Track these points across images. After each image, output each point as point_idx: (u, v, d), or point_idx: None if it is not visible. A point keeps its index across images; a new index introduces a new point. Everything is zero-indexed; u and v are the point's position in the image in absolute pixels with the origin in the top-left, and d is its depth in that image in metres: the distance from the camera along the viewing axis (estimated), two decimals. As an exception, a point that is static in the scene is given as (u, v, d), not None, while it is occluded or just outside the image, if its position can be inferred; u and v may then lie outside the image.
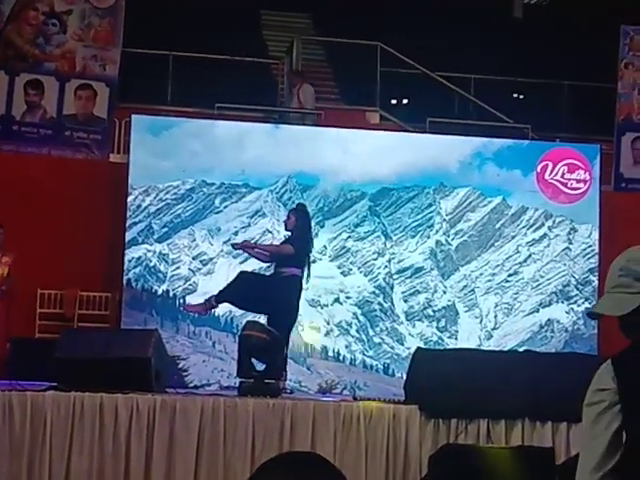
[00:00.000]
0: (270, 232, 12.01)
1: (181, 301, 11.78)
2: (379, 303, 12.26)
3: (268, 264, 10.55)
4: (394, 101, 17.73)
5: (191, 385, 11.31)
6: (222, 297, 10.14)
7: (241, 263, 11.83)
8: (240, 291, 10.10)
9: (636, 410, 2.81)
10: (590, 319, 2.73)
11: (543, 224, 12.57)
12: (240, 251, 11.97)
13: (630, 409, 2.80)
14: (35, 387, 7.56)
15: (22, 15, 12.16)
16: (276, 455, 2.10)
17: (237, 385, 8.62)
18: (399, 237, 12.37)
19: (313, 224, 11.83)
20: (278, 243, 10.89)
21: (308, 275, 10.48)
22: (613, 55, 13.80)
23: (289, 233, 10.18)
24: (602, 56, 15.64)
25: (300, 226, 10.19)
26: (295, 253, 10.02)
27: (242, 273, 10.53)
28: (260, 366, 8.64)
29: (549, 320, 12.40)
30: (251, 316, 11.42)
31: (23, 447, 7.16)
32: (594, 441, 2.86)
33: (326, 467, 2.03)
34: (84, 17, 12.26)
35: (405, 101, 18.29)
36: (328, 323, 12.08)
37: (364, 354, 12.07)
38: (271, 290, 9.91)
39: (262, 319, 10.09)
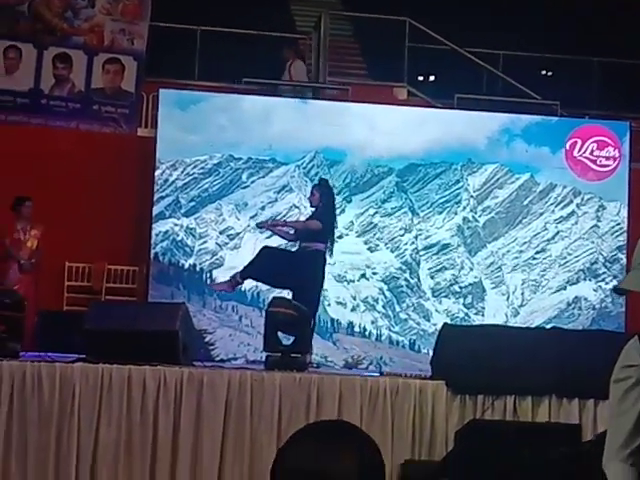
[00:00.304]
0: (297, 207, 11.99)
1: (208, 275, 11.80)
2: (405, 279, 12.24)
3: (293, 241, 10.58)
4: (421, 77, 17.65)
5: (217, 359, 11.34)
6: (247, 273, 10.18)
7: (267, 238, 11.83)
8: (264, 267, 10.15)
9: None
10: (617, 295, 2.73)
11: (571, 201, 12.49)
12: (267, 226, 12.06)
13: None
14: (64, 359, 7.61)
15: (51, -12, 12.18)
16: (306, 424, 2.09)
17: (263, 359, 8.64)
18: (426, 213, 12.33)
19: (340, 200, 11.87)
20: (304, 219, 10.93)
21: (332, 250, 10.51)
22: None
23: (313, 209, 10.21)
24: (632, 32, 15.50)
25: (325, 202, 10.22)
26: (321, 228, 10.05)
27: (265, 248, 10.55)
28: (287, 340, 8.66)
29: (576, 297, 12.34)
30: (277, 291, 11.48)
31: (52, 418, 7.22)
32: (621, 418, 2.83)
33: (356, 434, 2.03)
34: (112, -9, 12.27)
35: (432, 77, 18.19)
36: (354, 299, 12.08)
37: (390, 330, 12.06)
38: (295, 265, 9.95)
39: (287, 294, 10.13)
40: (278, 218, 11.80)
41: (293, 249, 11.01)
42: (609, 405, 2.98)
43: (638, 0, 15.38)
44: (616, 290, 2.97)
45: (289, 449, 1.99)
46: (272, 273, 10.38)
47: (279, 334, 8.59)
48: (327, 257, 10.37)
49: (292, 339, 8.49)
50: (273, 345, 8.50)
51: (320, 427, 2.09)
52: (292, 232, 10.52)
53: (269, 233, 11.84)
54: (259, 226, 11.29)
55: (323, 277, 10.24)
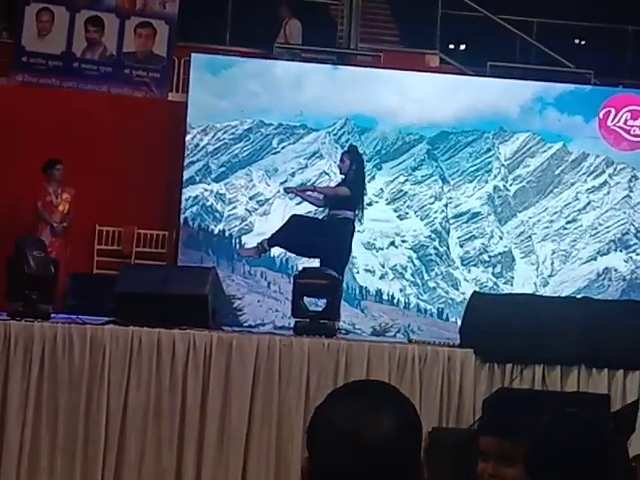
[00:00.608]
0: (327, 174, 11.97)
1: (237, 241, 11.82)
2: (435, 247, 12.21)
3: (322, 207, 10.55)
4: (453, 45, 17.51)
5: (245, 324, 11.38)
6: (274, 241, 10.17)
7: (297, 205, 11.82)
8: (292, 235, 10.14)
9: None
10: None
11: (604, 171, 12.39)
12: (296, 192, 12.04)
13: None
14: (94, 321, 7.66)
15: (84, -48, 12.16)
16: (347, 382, 2.09)
17: (291, 326, 8.66)
18: (457, 182, 12.27)
19: (370, 167, 11.83)
20: (333, 185, 10.88)
21: (362, 217, 10.49)
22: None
23: (343, 176, 10.16)
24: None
25: (355, 169, 10.18)
26: (350, 195, 10.02)
27: (294, 216, 10.54)
28: (315, 307, 8.66)
29: (606, 268, 12.26)
30: (306, 259, 11.48)
31: (82, 379, 7.28)
32: None
33: (396, 395, 2.03)
34: (145, -45, 12.23)
35: (464, 46, 18.05)
36: (383, 266, 12.07)
37: (418, 298, 12.05)
38: (324, 233, 9.93)
39: (314, 262, 10.12)
40: (308, 184, 11.78)
41: (322, 216, 10.99)
42: None
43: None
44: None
45: (327, 407, 1.98)
46: (300, 241, 10.36)
47: (308, 299, 8.60)
48: (356, 225, 10.36)
49: (321, 305, 8.50)
50: (301, 311, 8.51)
51: (360, 386, 2.08)
52: (321, 198, 10.48)
53: (299, 199, 11.80)
54: (287, 191, 11.27)
55: (351, 245, 10.23)
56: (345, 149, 10.89)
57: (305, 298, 8.49)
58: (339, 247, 10.04)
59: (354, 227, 10.35)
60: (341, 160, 10.42)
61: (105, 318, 7.80)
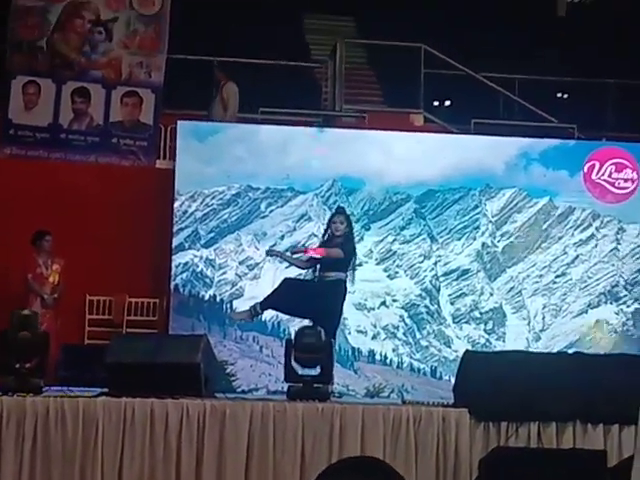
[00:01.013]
0: (316, 236, 12.01)
1: (228, 306, 11.83)
2: (426, 306, 12.23)
3: (312, 269, 10.55)
4: (437, 103, 17.69)
5: (239, 390, 11.35)
6: (267, 304, 10.17)
7: (287, 268, 11.83)
8: (285, 298, 10.14)
9: None
10: None
11: (590, 224, 12.47)
12: (286, 255, 12.08)
13: None
14: (86, 393, 7.62)
15: (68, 24, 12.29)
16: (341, 459, 2.11)
17: (285, 389, 8.63)
18: (445, 239, 12.33)
19: (359, 228, 11.89)
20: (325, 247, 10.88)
21: (353, 278, 10.50)
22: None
23: (337, 237, 10.17)
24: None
25: (348, 230, 10.22)
26: (343, 257, 10.04)
27: (286, 279, 10.55)
28: (308, 370, 8.64)
29: (598, 321, 12.29)
30: (297, 321, 11.48)
31: (75, 453, 7.22)
32: None
33: (391, 473, 2.04)
34: (129, 24, 12.37)
35: (448, 103, 18.23)
36: (375, 326, 12.07)
37: (411, 357, 12.04)
38: (316, 295, 9.92)
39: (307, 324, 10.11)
40: (298, 247, 11.82)
41: (312, 278, 11.01)
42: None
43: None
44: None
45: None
46: (292, 304, 10.36)
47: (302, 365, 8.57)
48: (348, 286, 10.39)
49: (314, 369, 8.47)
50: (294, 375, 8.48)
51: (355, 462, 2.10)
52: (305, 260, 10.48)
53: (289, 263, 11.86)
54: (268, 254, 11.28)
55: (342, 307, 10.26)
56: (334, 210, 10.93)
57: (298, 362, 8.47)
58: (331, 309, 10.03)
59: (346, 288, 10.36)
60: (332, 222, 10.43)
61: (97, 389, 7.76)
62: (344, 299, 10.30)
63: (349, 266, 10.24)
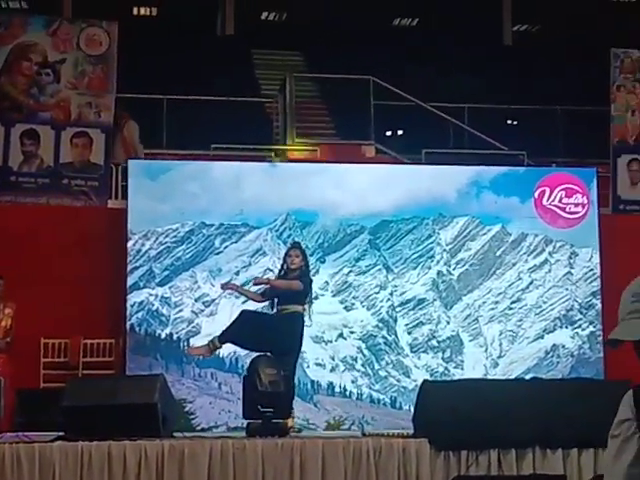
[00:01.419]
0: (271, 270, 11.99)
1: (185, 344, 11.75)
2: (383, 336, 12.24)
3: (269, 302, 10.52)
4: (389, 132, 17.80)
5: (199, 428, 11.27)
6: (225, 337, 10.12)
7: (243, 303, 11.81)
8: (243, 330, 10.09)
9: None
10: (611, 347, 2.77)
11: (543, 250, 12.58)
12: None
13: None
14: (42, 438, 7.54)
15: (16, 66, 12.23)
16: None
17: (245, 426, 8.59)
18: (400, 269, 12.37)
19: (314, 260, 11.89)
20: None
21: (310, 311, 10.50)
22: (604, 78, 13.87)
23: (293, 271, 10.15)
24: (593, 79, 15.72)
25: (304, 263, 10.22)
26: (302, 290, 10.04)
27: (244, 312, 10.51)
28: (267, 406, 8.60)
29: (554, 345, 12.38)
30: (256, 356, 11.44)
31: (33, 500, 7.13)
32: (613, 478, 2.80)
33: None
34: (77, 65, 12.33)
35: (399, 133, 18.36)
36: (333, 359, 12.06)
37: (371, 388, 12.04)
38: (274, 328, 9.89)
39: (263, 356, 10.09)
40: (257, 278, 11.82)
41: (271, 311, 10.99)
42: (605, 458, 2.94)
43: (598, 47, 15.61)
44: (608, 343, 2.86)
45: None
46: (251, 337, 10.30)
47: (259, 398, 8.54)
48: (306, 319, 10.38)
49: (272, 403, 8.45)
50: (253, 411, 8.46)
51: None
52: (259, 293, 10.45)
53: (245, 298, 11.83)
54: (223, 287, 11.18)
55: (302, 339, 10.23)
56: (290, 245, 10.91)
57: (257, 398, 8.45)
58: (291, 342, 10.01)
59: (304, 321, 10.35)
60: (288, 255, 10.41)
61: (54, 434, 7.68)
62: (302, 332, 10.29)
63: (306, 299, 10.24)
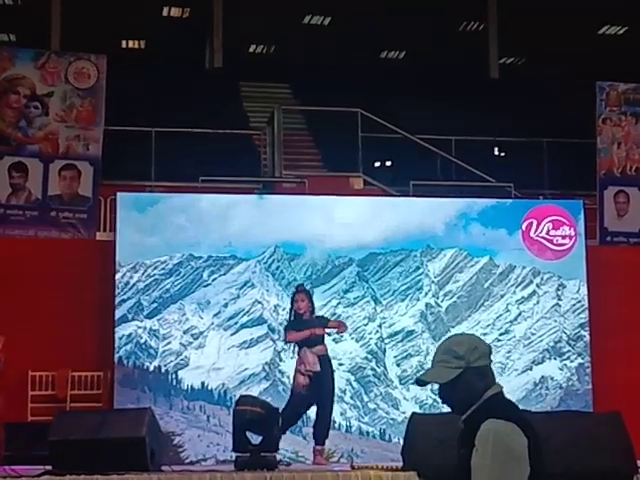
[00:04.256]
0: (260, 302, 12.01)
1: (173, 376, 11.73)
2: (372, 368, 12.22)
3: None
4: (377, 164, 17.87)
5: (187, 461, 11.22)
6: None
7: (232, 335, 11.83)
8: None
9: None
10: (418, 385, 3.23)
11: (531, 281, 12.61)
12: (230, 323, 12.06)
13: None
14: (30, 472, 7.50)
15: (3, 99, 12.26)
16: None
17: (233, 459, 8.55)
18: (389, 301, 12.38)
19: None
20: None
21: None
22: (590, 111, 13.97)
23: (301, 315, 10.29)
24: (580, 112, 15.83)
25: (311, 305, 10.43)
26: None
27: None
28: (256, 439, 8.59)
29: (543, 377, 12.38)
30: (245, 389, 11.42)
31: (19, 535, 7.08)
32: None
33: None
34: (65, 98, 12.36)
35: (387, 164, 18.44)
36: (322, 391, 12.01)
37: (360, 420, 12.00)
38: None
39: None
40: (241, 314, 11.84)
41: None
42: None
43: (583, 80, 15.74)
44: (417, 382, 3.58)
45: None
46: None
47: (248, 433, 8.53)
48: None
49: (260, 438, 8.43)
50: (242, 444, 8.43)
51: None
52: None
53: (233, 330, 11.88)
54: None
55: (333, 379, 10.51)
56: (295, 288, 10.98)
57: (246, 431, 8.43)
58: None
59: (330, 362, 10.56)
60: (295, 300, 10.56)
61: (42, 467, 7.64)
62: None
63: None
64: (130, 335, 11.78)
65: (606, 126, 13.83)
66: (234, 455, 8.64)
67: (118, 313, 11.74)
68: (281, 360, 11.84)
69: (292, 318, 10.54)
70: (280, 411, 9.24)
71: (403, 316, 12.37)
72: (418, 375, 3.53)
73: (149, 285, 11.95)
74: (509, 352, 12.42)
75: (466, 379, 3.48)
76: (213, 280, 12.09)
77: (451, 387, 3.50)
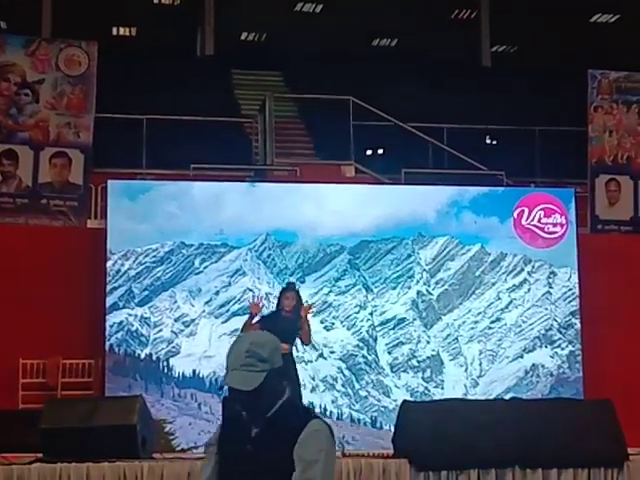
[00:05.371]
0: (251, 290, 12.00)
1: (165, 364, 11.72)
2: (363, 356, 12.23)
3: None
4: (369, 152, 17.86)
5: (178, 448, 11.22)
6: None
7: (223, 323, 11.81)
8: None
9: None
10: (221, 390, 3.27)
11: (523, 269, 12.61)
12: (222, 311, 12.05)
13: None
14: (21, 460, 7.49)
15: (-6, 86, 12.21)
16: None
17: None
18: (380, 289, 12.38)
19: (294, 280, 11.88)
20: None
21: (295, 343, 10.55)
22: (582, 99, 13.97)
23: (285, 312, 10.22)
24: (571, 100, 15.84)
25: (298, 303, 10.34)
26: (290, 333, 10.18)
27: None
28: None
29: (534, 365, 12.40)
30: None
31: (10, 522, 7.08)
32: None
33: None
34: (56, 86, 12.31)
35: (379, 152, 18.43)
36: (313, 379, 12.04)
37: (351, 408, 12.02)
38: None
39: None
40: (233, 302, 11.83)
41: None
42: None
43: (575, 68, 15.74)
44: (222, 388, 3.54)
45: None
46: None
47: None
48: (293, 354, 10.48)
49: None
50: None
51: None
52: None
53: (225, 318, 11.85)
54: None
55: (297, 376, 10.34)
56: (286, 284, 10.95)
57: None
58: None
59: (294, 360, 10.47)
60: (285, 297, 10.49)
61: (33, 455, 7.63)
62: (295, 369, 10.38)
63: (295, 338, 10.42)
64: (121, 323, 11.76)
65: (598, 114, 13.82)
66: (225, 443, 8.64)
67: (109, 301, 11.72)
68: (272, 348, 11.81)
69: (272, 311, 10.54)
70: None
71: (394, 304, 12.38)
72: (225, 381, 3.45)
73: (140, 273, 11.93)
74: (500, 340, 12.43)
75: (270, 382, 3.41)
76: (204, 268, 12.08)
77: (259, 392, 3.40)
